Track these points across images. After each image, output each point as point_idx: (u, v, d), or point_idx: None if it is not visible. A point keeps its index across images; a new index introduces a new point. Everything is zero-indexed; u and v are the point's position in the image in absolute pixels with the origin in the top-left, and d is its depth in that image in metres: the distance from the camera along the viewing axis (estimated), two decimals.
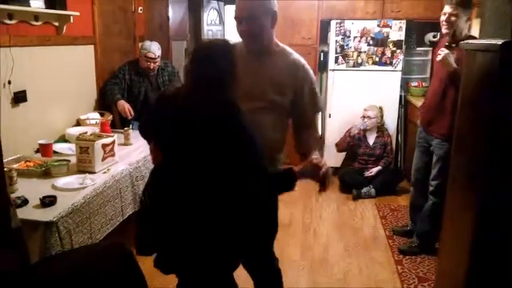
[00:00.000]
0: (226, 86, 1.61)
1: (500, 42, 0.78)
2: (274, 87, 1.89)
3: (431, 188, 3.00)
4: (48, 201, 2.07)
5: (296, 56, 1.97)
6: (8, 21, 2.61)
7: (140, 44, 3.94)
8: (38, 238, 1.95)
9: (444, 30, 2.85)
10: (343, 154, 4.59)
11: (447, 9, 2.80)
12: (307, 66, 1.97)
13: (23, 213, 1.95)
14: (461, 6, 2.74)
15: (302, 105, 1.94)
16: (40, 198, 2.08)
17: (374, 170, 4.34)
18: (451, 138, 2.23)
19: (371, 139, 4.43)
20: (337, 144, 4.55)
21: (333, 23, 4.56)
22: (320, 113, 2.12)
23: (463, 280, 0.92)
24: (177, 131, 1.65)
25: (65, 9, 3.04)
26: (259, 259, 2.17)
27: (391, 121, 4.64)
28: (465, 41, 1.11)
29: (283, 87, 1.90)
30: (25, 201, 2.08)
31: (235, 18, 1.86)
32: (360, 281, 2.83)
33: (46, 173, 2.50)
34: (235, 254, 1.72)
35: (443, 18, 2.83)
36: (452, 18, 2.77)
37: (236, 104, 1.61)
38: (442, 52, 2.73)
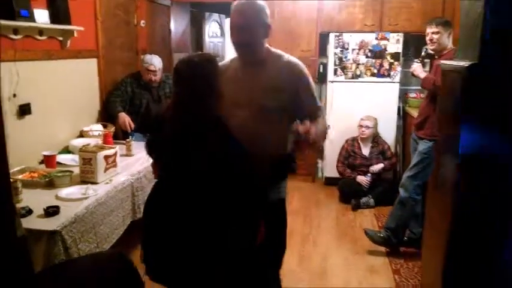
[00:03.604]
0: (205, 100, 1.67)
1: (467, 65, 0.85)
2: (269, 93, 1.94)
3: (401, 181, 3.29)
4: (51, 211, 2.12)
5: (288, 57, 2.04)
6: (13, 37, 2.69)
7: (142, 57, 4.02)
8: (42, 247, 2.00)
9: (430, 47, 3.15)
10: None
11: (428, 29, 3.11)
12: (301, 64, 2.03)
13: (27, 223, 2.01)
14: (440, 25, 3.04)
15: (302, 100, 1.98)
16: (44, 208, 2.14)
17: (376, 168, 4.40)
18: (434, 140, 2.54)
19: (366, 150, 4.50)
20: (337, 167, 4.65)
21: (332, 36, 4.65)
22: (320, 110, 2.08)
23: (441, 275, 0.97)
24: (164, 147, 1.74)
25: (69, 24, 3.12)
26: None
27: (389, 132, 4.70)
28: (441, 61, 1.18)
29: (279, 90, 1.94)
30: (29, 211, 2.14)
31: (230, 29, 1.96)
32: None
33: (50, 183, 2.56)
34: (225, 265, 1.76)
35: (427, 38, 3.13)
36: (434, 36, 3.06)
37: (217, 117, 1.68)
38: (414, 65, 3.22)
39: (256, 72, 1.99)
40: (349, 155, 4.55)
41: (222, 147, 1.64)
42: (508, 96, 0.88)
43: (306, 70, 2.04)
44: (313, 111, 2.01)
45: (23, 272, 1.67)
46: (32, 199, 2.31)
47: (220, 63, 2.10)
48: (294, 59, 2.05)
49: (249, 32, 1.91)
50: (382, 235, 3.33)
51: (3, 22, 2.52)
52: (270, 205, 2.02)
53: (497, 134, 0.86)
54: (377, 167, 4.40)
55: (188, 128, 1.66)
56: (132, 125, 3.73)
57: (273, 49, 2.07)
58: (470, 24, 0.96)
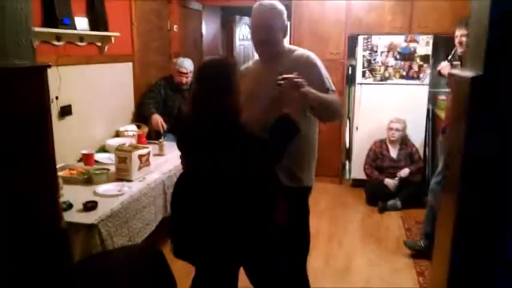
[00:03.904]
0: (223, 97, 1.80)
1: (471, 76, 0.90)
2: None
3: (430, 186, 3.28)
4: (90, 206, 2.28)
5: (300, 50, 2.15)
6: (56, 43, 2.89)
7: (174, 60, 4.19)
8: (80, 239, 2.16)
9: (459, 50, 3.11)
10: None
11: (457, 31, 3.09)
12: (311, 55, 2.12)
13: (68, 216, 2.17)
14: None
15: (314, 86, 1.98)
16: (83, 203, 2.30)
17: (403, 173, 4.39)
18: None
19: (394, 152, 4.50)
20: (364, 169, 4.67)
21: (361, 38, 4.68)
22: (334, 93, 2.10)
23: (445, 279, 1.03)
24: (184, 143, 1.95)
25: (107, 30, 3.31)
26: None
27: (418, 134, 4.68)
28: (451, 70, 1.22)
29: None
30: (70, 206, 2.31)
31: (251, 27, 2.12)
32: None
33: (88, 180, 2.73)
34: (240, 250, 1.89)
35: (456, 40, 3.11)
36: (464, 39, 3.01)
37: (234, 113, 1.81)
38: (442, 64, 3.24)
39: (271, 66, 2.09)
40: (377, 157, 4.57)
41: (237, 140, 1.78)
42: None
43: (316, 60, 2.12)
44: (325, 93, 2.05)
45: (64, 261, 1.83)
46: (72, 195, 2.47)
47: (243, 66, 2.29)
48: (305, 51, 2.15)
49: (267, 31, 2.05)
50: (423, 244, 3.29)
51: (48, 30, 2.72)
52: (292, 191, 2.11)
53: (501, 144, 0.91)
54: (404, 172, 4.40)
55: (206, 122, 1.81)
56: (165, 126, 3.89)
57: (292, 47, 2.22)
58: (479, 31, 1.00)
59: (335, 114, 2.13)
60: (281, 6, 2.10)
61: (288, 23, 2.17)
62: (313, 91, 1.91)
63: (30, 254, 1.39)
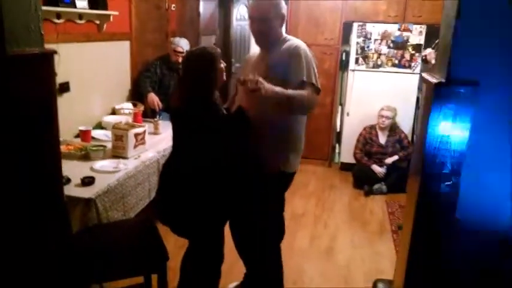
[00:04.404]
0: (200, 85, 2.03)
1: (435, 82, 1.01)
2: (270, 70, 2.15)
3: None
4: (87, 181, 2.39)
5: (294, 41, 2.21)
6: (56, 21, 2.95)
7: (171, 39, 4.25)
8: (78, 212, 2.27)
9: None
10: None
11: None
12: (300, 45, 2.16)
13: (66, 190, 2.25)
14: None
15: (291, 74, 2.11)
16: (81, 178, 2.41)
17: (391, 159, 4.55)
18: None
19: (382, 138, 4.64)
20: (354, 154, 4.80)
21: (355, 25, 4.75)
22: (312, 86, 2.13)
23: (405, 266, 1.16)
24: (172, 123, 2.16)
25: (106, 9, 3.37)
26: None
27: (407, 122, 4.81)
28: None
29: (277, 67, 2.14)
30: (68, 180, 2.41)
31: (249, 17, 2.25)
32: (361, 270, 3.07)
33: (85, 156, 2.83)
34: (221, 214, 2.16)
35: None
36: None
37: (210, 101, 2.03)
38: (427, 50, 3.43)
39: (265, 54, 2.26)
40: (366, 142, 4.70)
41: (211, 123, 2.02)
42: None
43: (302, 51, 2.13)
44: (299, 85, 2.10)
45: (64, 232, 1.95)
46: (69, 169, 2.57)
47: (249, 54, 2.44)
48: (297, 42, 2.20)
49: (263, 23, 2.17)
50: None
51: (49, 8, 2.78)
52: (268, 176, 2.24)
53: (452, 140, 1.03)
54: (391, 159, 4.54)
55: (186, 105, 2.04)
56: (160, 105, 3.98)
57: (288, 37, 2.28)
58: (446, 40, 1.11)
59: (298, 110, 2.17)
60: None
61: (285, 9, 2.24)
62: (272, 89, 1.97)
63: (36, 222, 1.51)
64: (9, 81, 1.23)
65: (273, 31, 2.21)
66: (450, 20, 1.12)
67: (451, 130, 1.04)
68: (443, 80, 1.02)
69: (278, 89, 2.01)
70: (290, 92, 2.04)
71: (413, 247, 1.14)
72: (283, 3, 2.23)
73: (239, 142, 2.11)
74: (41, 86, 1.37)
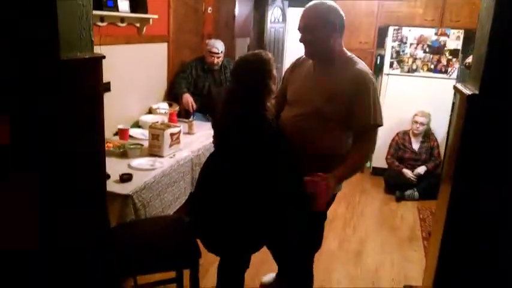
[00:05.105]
0: (253, 96, 1.93)
1: (468, 94, 1.03)
2: (328, 98, 1.99)
3: None
4: (125, 178, 2.50)
5: (359, 65, 2.02)
6: (100, 24, 3.09)
7: (206, 41, 4.35)
8: (117, 208, 2.39)
9: None
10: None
11: None
12: (368, 76, 1.99)
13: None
14: None
15: (357, 115, 1.96)
16: (119, 175, 2.52)
17: (420, 170, 4.48)
18: None
19: (416, 145, 4.59)
20: (386, 159, 4.75)
21: (391, 29, 4.72)
22: (377, 127, 2.01)
23: (434, 271, 1.17)
24: (216, 131, 2.07)
25: (146, 12, 3.49)
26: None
27: (442, 128, 4.74)
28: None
29: (337, 98, 1.97)
30: (108, 176, 2.53)
31: (298, 29, 2.08)
32: (390, 275, 3.07)
33: (123, 154, 2.96)
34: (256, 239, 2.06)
35: None
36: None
37: (262, 113, 1.92)
38: (471, 57, 3.05)
39: (322, 73, 2.06)
40: (399, 148, 4.66)
41: (262, 138, 1.91)
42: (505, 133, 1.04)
43: (371, 83, 1.98)
44: (363, 128, 1.99)
45: (103, 226, 2.05)
46: (108, 166, 2.67)
47: (298, 57, 2.27)
48: (364, 69, 2.01)
49: (304, 32, 2.04)
50: None
51: (94, 12, 2.91)
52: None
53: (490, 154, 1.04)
54: (421, 169, 4.49)
55: (235, 117, 1.96)
56: (195, 106, 4.09)
57: (348, 53, 2.09)
58: (480, 53, 1.13)
59: (360, 169, 2.11)
60: (328, 6, 2.01)
61: (341, 17, 2.02)
62: (335, 180, 1.89)
63: (82, 214, 1.60)
64: (61, 83, 1.33)
65: (321, 41, 2.00)
66: (485, 31, 1.13)
67: (483, 141, 1.05)
68: (476, 92, 1.03)
69: (340, 173, 1.92)
70: (352, 165, 1.97)
71: (442, 254, 1.16)
72: (336, 10, 2.02)
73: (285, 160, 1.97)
74: (90, 88, 1.47)
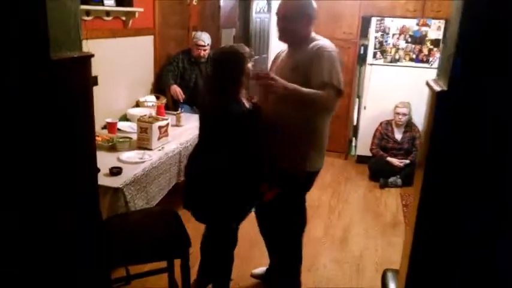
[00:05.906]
0: (228, 85, 2.15)
1: (437, 90, 1.10)
2: (293, 71, 2.19)
3: None
4: (115, 171, 2.56)
5: (321, 42, 2.23)
6: (86, 18, 3.11)
7: (193, 33, 4.38)
8: (107, 201, 2.44)
9: None
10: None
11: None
12: (323, 47, 2.17)
13: None
14: None
15: (313, 76, 2.12)
16: (109, 168, 2.58)
17: (401, 163, 4.59)
18: None
19: (398, 135, 4.71)
20: (371, 149, 4.87)
21: (374, 20, 4.79)
22: (333, 87, 2.12)
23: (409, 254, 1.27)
24: (200, 119, 2.31)
25: (131, 6, 3.52)
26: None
27: (423, 116, 4.84)
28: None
29: (299, 67, 2.18)
30: (98, 170, 2.58)
31: (275, 14, 2.31)
32: (373, 259, 3.19)
33: (112, 147, 3.00)
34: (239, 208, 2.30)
35: None
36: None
37: (230, 101, 2.14)
38: None
39: (290, 54, 2.31)
40: (382, 138, 4.76)
41: (234, 122, 2.13)
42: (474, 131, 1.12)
43: (326, 52, 2.15)
44: (320, 84, 2.10)
45: (96, 218, 2.10)
46: (98, 160, 2.72)
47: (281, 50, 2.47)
48: (322, 43, 2.21)
49: (286, 21, 2.25)
50: None
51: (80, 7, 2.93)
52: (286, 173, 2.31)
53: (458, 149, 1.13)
54: (401, 162, 4.60)
55: (212, 105, 2.18)
56: (183, 95, 4.13)
57: (317, 37, 2.29)
58: (450, 51, 1.19)
59: (313, 108, 2.18)
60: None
61: (314, 8, 2.26)
62: (284, 86, 2.04)
63: (73, 206, 1.66)
64: (52, 82, 1.38)
65: (297, 30, 2.24)
66: (455, 27, 1.18)
67: (453, 137, 1.13)
68: (445, 88, 1.11)
69: (291, 86, 2.06)
70: (305, 90, 2.07)
71: (415, 239, 1.25)
72: (312, 4, 2.27)
73: (253, 137, 2.20)
74: (80, 85, 1.52)
